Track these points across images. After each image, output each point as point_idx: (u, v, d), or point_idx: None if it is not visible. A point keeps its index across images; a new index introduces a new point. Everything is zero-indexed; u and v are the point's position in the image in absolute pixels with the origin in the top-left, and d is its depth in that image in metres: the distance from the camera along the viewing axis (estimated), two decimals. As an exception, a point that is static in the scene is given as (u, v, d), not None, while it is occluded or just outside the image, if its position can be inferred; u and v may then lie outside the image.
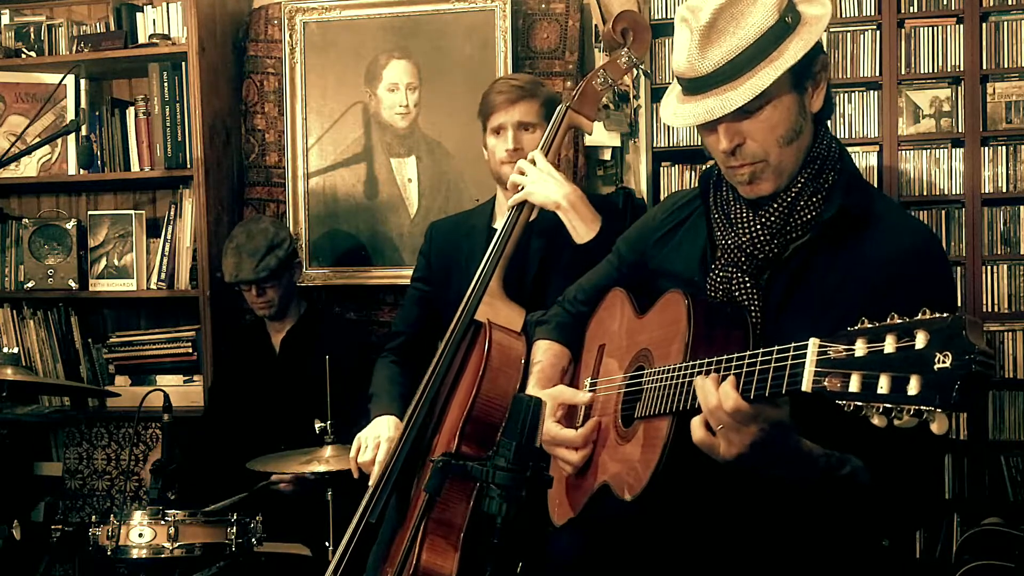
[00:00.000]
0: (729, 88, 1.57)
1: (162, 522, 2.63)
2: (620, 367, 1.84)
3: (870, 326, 1.21)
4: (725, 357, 1.46)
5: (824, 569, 1.69)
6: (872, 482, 1.55)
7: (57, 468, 3.81)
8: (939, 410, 1.10)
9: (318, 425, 2.76)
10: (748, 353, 1.42)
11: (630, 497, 1.63)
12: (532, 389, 2.00)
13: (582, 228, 2.35)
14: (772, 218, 1.66)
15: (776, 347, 1.36)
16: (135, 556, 2.63)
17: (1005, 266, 3.20)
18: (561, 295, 2.18)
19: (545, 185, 2.38)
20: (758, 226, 1.66)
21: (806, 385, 1.28)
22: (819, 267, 1.65)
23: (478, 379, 2.17)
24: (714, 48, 1.58)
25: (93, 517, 2.74)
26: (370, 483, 2.36)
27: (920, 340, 1.13)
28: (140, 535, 2.63)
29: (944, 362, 1.10)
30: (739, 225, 1.70)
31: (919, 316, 1.15)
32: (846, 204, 1.63)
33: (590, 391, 1.93)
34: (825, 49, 1.68)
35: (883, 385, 1.16)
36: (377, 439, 2.41)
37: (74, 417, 3.71)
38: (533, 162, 2.42)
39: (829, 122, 1.74)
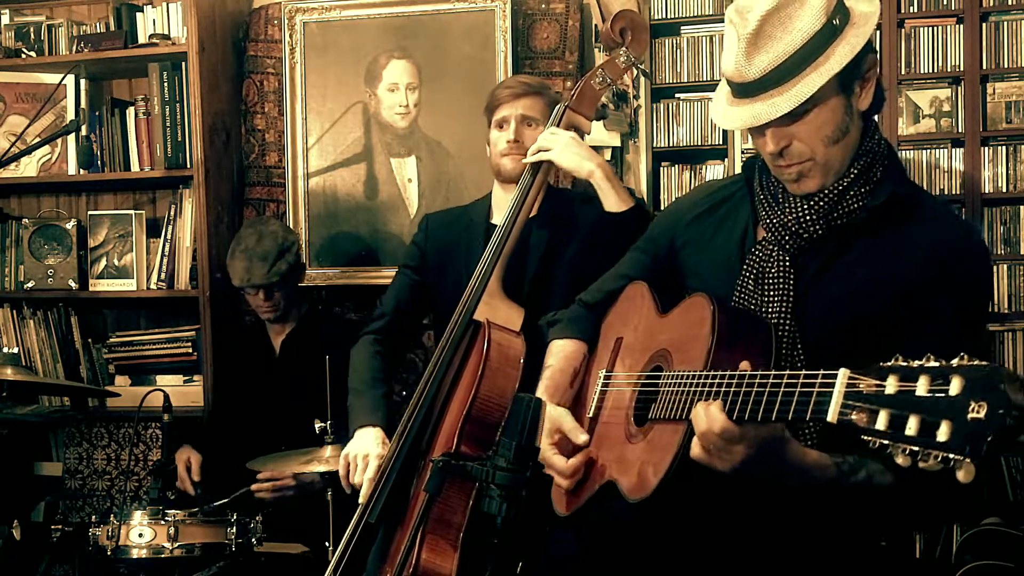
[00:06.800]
0: (776, 94, 1.58)
1: (162, 522, 2.64)
2: (636, 364, 1.83)
3: (903, 364, 1.20)
4: (748, 373, 1.46)
5: (823, 570, 1.69)
6: (894, 483, 1.54)
7: (57, 468, 3.80)
8: (967, 460, 1.09)
9: (318, 425, 2.76)
10: (773, 373, 1.42)
11: (636, 498, 1.63)
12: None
13: (614, 198, 2.33)
14: (821, 203, 1.67)
15: (803, 372, 1.36)
16: (135, 556, 2.63)
17: (1005, 266, 3.20)
18: (563, 294, 2.17)
19: (578, 151, 2.35)
20: (806, 207, 1.68)
21: (832, 416, 1.27)
22: (858, 251, 1.67)
23: (477, 379, 2.16)
24: (760, 54, 1.58)
25: (93, 517, 2.75)
26: (360, 500, 2.34)
27: (955, 386, 1.11)
28: (140, 535, 2.63)
29: (978, 412, 1.08)
30: (787, 205, 1.71)
31: (955, 362, 1.14)
32: (897, 192, 1.66)
33: (604, 384, 1.92)
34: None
35: (911, 426, 1.14)
36: (366, 458, 2.39)
37: (74, 417, 3.70)
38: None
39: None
